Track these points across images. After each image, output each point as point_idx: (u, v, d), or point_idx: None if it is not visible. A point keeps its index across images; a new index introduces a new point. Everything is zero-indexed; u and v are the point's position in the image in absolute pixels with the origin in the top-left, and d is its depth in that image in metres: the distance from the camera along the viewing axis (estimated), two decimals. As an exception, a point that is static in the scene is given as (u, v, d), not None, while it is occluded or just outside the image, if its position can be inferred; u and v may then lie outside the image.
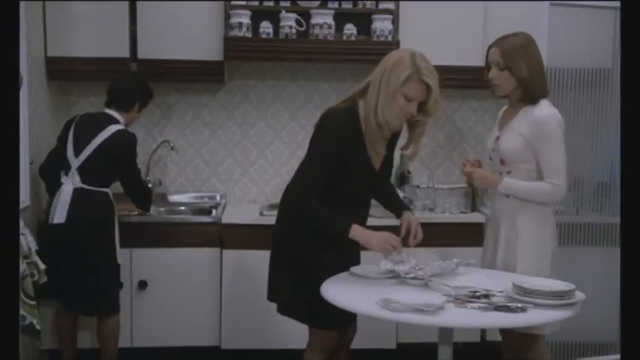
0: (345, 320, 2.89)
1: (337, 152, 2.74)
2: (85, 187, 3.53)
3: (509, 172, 3.00)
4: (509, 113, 3.06)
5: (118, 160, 3.60)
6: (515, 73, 2.91)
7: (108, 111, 3.67)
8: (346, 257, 2.88)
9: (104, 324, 3.66)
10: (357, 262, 2.95)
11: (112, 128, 3.58)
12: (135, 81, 3.78)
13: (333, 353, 3.01)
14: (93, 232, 3.52)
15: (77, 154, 3.55)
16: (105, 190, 3.58)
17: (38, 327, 3.16)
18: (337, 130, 2.73)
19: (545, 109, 2.92)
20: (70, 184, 3.54)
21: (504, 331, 3.12)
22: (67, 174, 3.58)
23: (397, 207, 3.06)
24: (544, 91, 2.97)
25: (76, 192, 3.52)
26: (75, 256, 3.49)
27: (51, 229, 3.52)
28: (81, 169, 3.54)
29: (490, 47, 3.01)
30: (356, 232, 2.74)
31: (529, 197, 2.96)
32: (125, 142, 3.61)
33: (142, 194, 3.77)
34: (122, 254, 3.71)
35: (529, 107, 2.95)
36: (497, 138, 3.03)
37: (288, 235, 2.91)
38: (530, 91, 2.93)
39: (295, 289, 2.87)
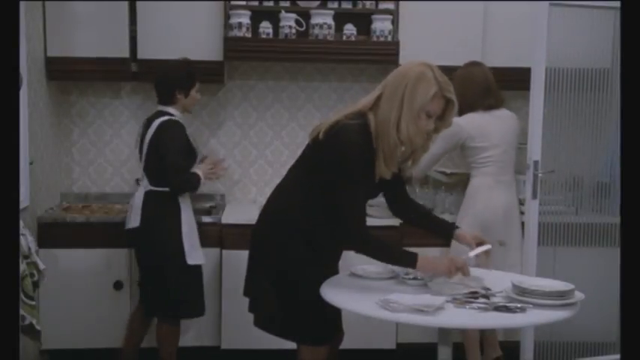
0: (334, 332, 2.86)
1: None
2: (153, 189, 3.52)
3: None
4: None
5: (159, 148, 3.50)
6: None
7: (159, 107, 3.63)
8: (331, 272, 2.82)
9: (165, 327, 3.66)
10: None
11: (156, 123, 3.53)
12: (170, 70, 3.63)
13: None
14: (163, 235, 3.51)
15: (141, 157, 3.59)
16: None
17: (38, 327, 3.16)
18: (359, 150, 2.59)
19: None
20: (142, 188, 3.56)
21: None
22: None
23: (449, 227, 2.90)
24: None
25: (147, 195, 3.53)
26: (149, 259, 3.53)
27: (126, 233, 3.58)
28: (146, 172, 3.56)
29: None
30: (423, 264, 2.63)
31: None
32: (164, 130, 3.50)
33: (175, 180, 3.50)
34: (122, 254, 3.71)
35: None
36: None
37: (277, 251, 2.78)
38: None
39: (286, 310, 2.77)
